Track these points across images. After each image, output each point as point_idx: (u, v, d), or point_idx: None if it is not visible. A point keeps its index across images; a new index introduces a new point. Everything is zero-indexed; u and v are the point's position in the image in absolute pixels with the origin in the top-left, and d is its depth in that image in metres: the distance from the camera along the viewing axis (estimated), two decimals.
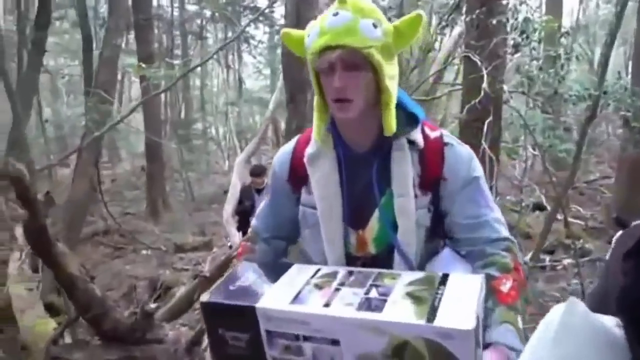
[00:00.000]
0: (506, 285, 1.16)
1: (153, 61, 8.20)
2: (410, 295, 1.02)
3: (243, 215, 5.60)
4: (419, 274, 1.13)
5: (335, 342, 0.99)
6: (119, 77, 12.67)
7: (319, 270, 1.18)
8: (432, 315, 0.94)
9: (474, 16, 3.56)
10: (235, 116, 14.70)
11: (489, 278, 1.16)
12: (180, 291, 4.20)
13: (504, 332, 1.10)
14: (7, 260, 5.12)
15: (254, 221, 1.50)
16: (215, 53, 8.46)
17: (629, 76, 6.69)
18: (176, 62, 9.73)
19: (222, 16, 9.60)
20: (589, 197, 8.94)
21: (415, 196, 1.23)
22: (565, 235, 5.85)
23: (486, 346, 1.08)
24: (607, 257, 1.18)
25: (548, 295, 4.32)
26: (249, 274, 1.18)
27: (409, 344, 0.94)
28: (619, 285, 0.72)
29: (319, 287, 1.09)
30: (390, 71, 1.19)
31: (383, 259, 1.27)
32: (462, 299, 0.99)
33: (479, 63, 3.72)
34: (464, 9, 4.23)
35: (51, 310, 4.34)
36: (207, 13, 11.85)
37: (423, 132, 1.26)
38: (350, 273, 1.16)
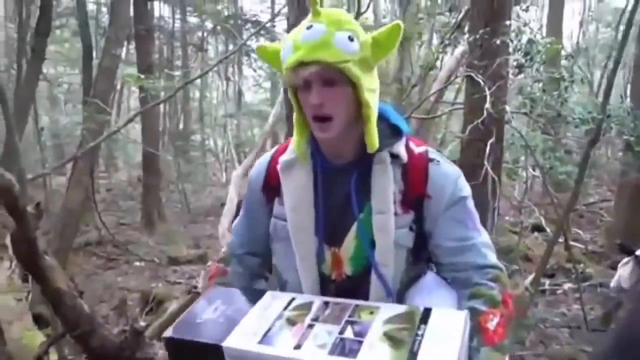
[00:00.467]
0: (493, 322, 1.08)
1: (152, 72, 8.19)
2: (388, 336, 0.94)
3: None
4: (399, 308, 1.05)
5: None
6: (118, 87, 12.65)
7: (292, 300, 1.11)
8: None
9: (477, 36, 3.54)
10: (233, 129, 14.67)
11: (474, 312, 1.09)
12: (172, 307, 4.11)
13: None
14: None
15: (231, 237, 1.42)
16: (216, 65, 8.45)
17: (628, 99, 6.71)
18: (176, 73, 9.72)
19: (224, 29, 9.62)
20: (589, 220, 8.89)
21: (396, 214, 1.15)
22: (565, 259, 5.79)
23: None
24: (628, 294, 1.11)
25: (549, 322, 4.23)
26: (218, 304, 1.09)
27: None
28: None
29: (291, 322, 1.02)
30: (370, 84, 1.12)
31: (359, 280, 1.19)
32: (444, 341, 0.91)
33: (482, 83, 3.69)
34: (466, 28, 4.23)
35: (40, 321, 4.24)
36: (209, 25, 11.89)
37: (407, 146, 1.19)
38: (326, 304, 1.08)
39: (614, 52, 10.00)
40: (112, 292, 6.02)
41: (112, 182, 14.19)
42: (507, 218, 8.12)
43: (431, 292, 1.19)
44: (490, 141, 3.60)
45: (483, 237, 1.21)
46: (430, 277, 1.24)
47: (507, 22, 3.65)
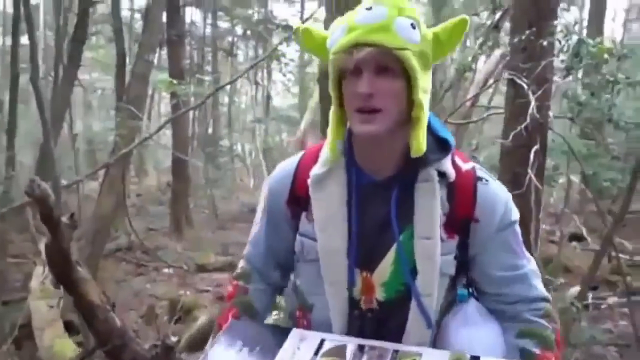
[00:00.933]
0: None
1: (184, 77, 8.25)
2: None
3: None
4: (443, 355, 0.96)
5: None
6: (150, 92, 12.82)
7: (323, 341, 1.00)
8: None
9: (522, 37, 3.36)
10: (261, 134, 14.70)
11: (527, 355, 1.00)
12: (201, 319, 4.04)
13: None
14: (30, 274, 5.07)
15: (247, 248, 1.28)
16: (247, 72, 8.44)
17: None
18: (206, 78, 9.77)
19: (254, 33, 9.63)
20: (633, 228, 8.48)
21: (441, 239, 1.03)
22: (609, 271, 5.51)
23: None
24: None
25: (596, 339, 3.99)
26: (239, 345, 0.99)
27: None
28: None
29: None
30: (425, 83, 1.00)
31: (392, 307, 1.07)
32: None
33: (526, 87, 3.51)
34: (506, 29, 4.04)
35: (71, 329, 4.23)
36: (239, 31, 11.95)
37: (453, 162, 1.05)
38: (361, 349, 0.98)
39: None
40: (141, 299, 6.03)
41: (142, 187, 14.37)
42: (543, 227, 7.83)
43: (476, 325, 1.08)
44: (534, 148, 3.40)
45: (531, 264, 1.11)
46: (472, 307, 1.12)
47: (554, 22, 3.45)
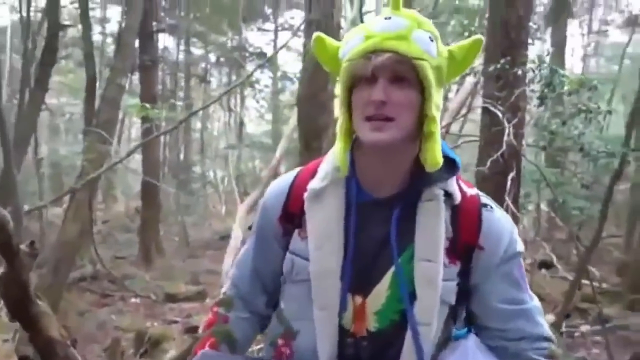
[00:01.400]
0: None
1: (156, 102, 8.11)
2: None
3: None
4: None
5: None
6: (120, 117, 12.60)
7: None
8: None
9: (498, 66, 3.42)
10: (234, 160, 14.58)
11: None
12: (170, 353, 3.84)
13: None
14: None
15: (232, 270, 1.18)
16: (221, 97, 8.38)
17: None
18: (179, 103, 9.67)
19: (228, 60, 9.63)
20: (597, 256, 8.65)
21: (443, 264, 0.97)
22: (580, 299, 5.55)
23: None
24: None
25: None
26: None
27: None
28: None
29: None
30: (438, 99, 0.97)
31: (386, 338, 0.99)
32: None
33: (500, 115, 3.56)
34: (482, 59, 4.13)
35: None
36: (212, 58, 11.94)
37: (458, 186, 1.01)
38: None
39: (617, 86, 10.02)
40: (105, 331, 5.75)
41: (109, 213, 13.96)
42: None
43: None
44: (510, 175, 3.43)
45: (535, 301, 1.06)
46: (472, 342, 1.06)
47: (526, 52, 3.53)
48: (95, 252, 7.37)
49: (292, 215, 1.05)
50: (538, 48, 7.52)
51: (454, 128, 8.55)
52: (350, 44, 0.96)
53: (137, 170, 9.93)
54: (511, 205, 3.40)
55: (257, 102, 12.69)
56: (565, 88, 3.27)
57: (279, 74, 13.09)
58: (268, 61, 8.92)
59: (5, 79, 13.52)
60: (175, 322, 6.20)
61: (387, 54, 0.92)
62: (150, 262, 8.93)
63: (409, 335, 0.97)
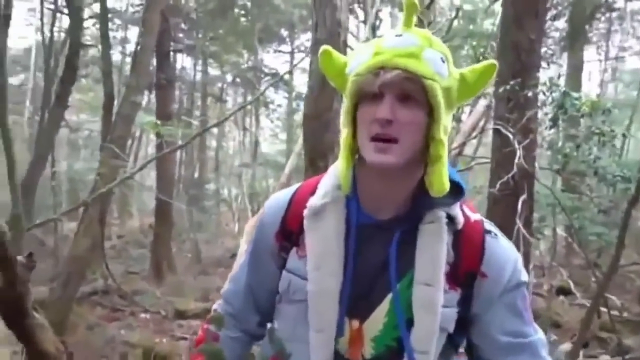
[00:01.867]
0: None
1: (171, 120, 8.24)
2: None
3: None
4: None
5: None
6: (137, 134, 12.81)
7: None
8: None
9: (507, 87, 3.40)
10: (248, 178, 14.66)
11: None
12: None
13: None
14: None
15: (226, 286, 1.15)
16: (235, 113, 8.49)
17: None
18: (195, 122, 9.82)
19: (243, 80, 9.76)
20: (617, 284, 8.39)
21: (443, 290, 0.93)
22: (599, 327, 5.37)
23: None
24: None
25: None
26: None
27: None
28: None
29: None
30: (447, 122, 0.93)
31: None
32: None
33: (511, 137, 3.52)
34: (494, 81, 4.12)
35: None
36: (229, 78, 12.13)
37: (462, 211, 0.98)
38: None
39: (636, 112, 9.88)
40: (113, 347, 5.72)
41: (124, 229, 14.09)
42: (533, 280, 7.72)
43: None
44: (522, 197, 3.37)
45: (540, 334, 1.01)
46: None
47: (537, 75, 3.51)
48: (106, 267, 7.40)
49: (290, 232, 1.03)
50: (554, 72, 7.49)
51: (468, 151, 8.51)
52: (358, 59, 0.94)
53: (152, 187, 10.04)
54: (522, 229, 3.33)
55: (272, 121, 12.80)
56: (577, 111, 3.21)
57: (293, 94, 13.24)
58: (280, 80, 9.01)
59: (28, 97, 13.92)
60: (184, 338, 6.15)
61: (396, 71, 0.89)
62: (162, 278, 8.94)
63: None
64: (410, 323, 0.94)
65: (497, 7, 7.19)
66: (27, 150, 11.34)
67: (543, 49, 4.63)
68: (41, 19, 10.14)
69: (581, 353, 5.17)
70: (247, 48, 11.75)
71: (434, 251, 0.94)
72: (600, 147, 3.38)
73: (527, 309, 1.00)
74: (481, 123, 6.23)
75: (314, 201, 1.00)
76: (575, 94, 3.40)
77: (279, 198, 1.08)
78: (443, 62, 0.92)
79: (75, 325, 5.82)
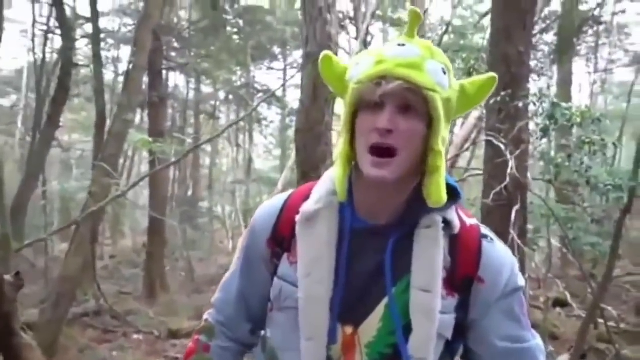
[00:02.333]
0: None
1: (163, 137, 8.22)
2: None
3: None
4: None
5: None
6: (130, 153, 12.77)
7: None
8: None
9: (498, 99, 3.43)
10: (242, 195, 14.60)
11: None
12: None
13: None
14: None
15: (216, 294, 1.14)
16: (227, 129, 8.50)
17: None
18: (188, 140, 9.82)
19: (236, 97, 9.80)
20: (613, 294, 8.38)
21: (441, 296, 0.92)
22: (596, 338, 5.34)
23: None
24: None
25: None
26: None
27: None
28: None
29: None
30: (445, 134, 0.93)
31: None
32: None
33: (503, 148, 3.53)
34: None
35: None
36: (221, 95, 12.17)
37: (458, 216, 0.97)
38: None
39: (626, 123, 10.00)
40: None
41: (117, 248, 13.95)
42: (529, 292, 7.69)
43: None
44: (515, 208, 3.37)
45: (538, 339, 1.01)
46: None
47: (527, 86, 3.54)
48: (97, 287, 7.29)
49: (281, 238, 1.02)
50: (544, 84, 7.58)
51: (462, 163, 8.55)
52: (360, 67, 0.94)
53: (145, 206, 9.97)
54: (517, 239, 3.33)
55: (265, 138, 12.83)
56: (568, 121, 3.24)
57: (286, 110, 13.31)
58: (272, 96, 9.06)
59: (20, 118, 13.89)
60: (177, 359, 6.05)
61: (397, 81, 0.89)
62: (155, 298, 8.82)
63: None
64: (406, 330, 0.92)
65: (487, 22, 7.30)
66: (18, 171, 11.28)
67: (533, 62, 4.68)
68: (32, 40, 10.17)
69: None
70: (240, 65, 11.83)
71: (431, 256, 0.93)
72: (592, 156, 3.40)
73: (525, 314, 1.00)
74: (473, 135, 6.26)
75: (307, 206, 0.99)
76: (565, 105, 3.43)
77: (272, 204, 1.08)
78: (444, 73, 0.93)
79: (66, 347, 5.71)
